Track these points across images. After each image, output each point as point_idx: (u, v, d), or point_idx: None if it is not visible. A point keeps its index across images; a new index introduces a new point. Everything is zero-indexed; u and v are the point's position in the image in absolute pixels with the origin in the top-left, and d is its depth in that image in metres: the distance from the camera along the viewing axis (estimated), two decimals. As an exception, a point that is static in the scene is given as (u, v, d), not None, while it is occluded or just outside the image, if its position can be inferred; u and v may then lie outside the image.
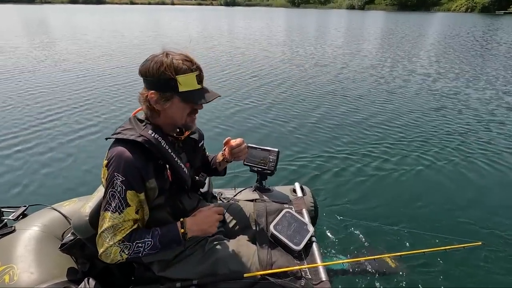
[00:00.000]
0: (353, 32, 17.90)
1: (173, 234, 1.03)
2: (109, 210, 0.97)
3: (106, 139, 1.05)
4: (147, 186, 1.01)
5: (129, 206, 0.98)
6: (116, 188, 0.96)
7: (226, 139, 1.35)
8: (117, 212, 0.96)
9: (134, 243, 0.98)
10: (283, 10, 56.66)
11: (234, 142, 1.34)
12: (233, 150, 1.34)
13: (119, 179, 0.95)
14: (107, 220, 0.96)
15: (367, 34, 16.51)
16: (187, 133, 1.18)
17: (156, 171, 1.04)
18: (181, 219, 1.07)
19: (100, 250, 0.97)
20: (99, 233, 0.98)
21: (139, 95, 1.05)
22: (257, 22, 26.02)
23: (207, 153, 1.47)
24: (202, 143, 1.30)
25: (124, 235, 0.98)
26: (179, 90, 1.00)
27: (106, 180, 0.98)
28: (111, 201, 0.97)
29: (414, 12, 50.37)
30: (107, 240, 0.96)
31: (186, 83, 1.00)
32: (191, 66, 1.00)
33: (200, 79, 1.03)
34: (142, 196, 1.00)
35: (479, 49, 11.53)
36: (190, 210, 1.14)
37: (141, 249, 0.99)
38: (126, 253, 0.97)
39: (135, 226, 1.01)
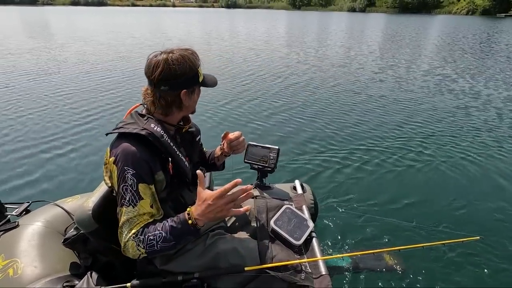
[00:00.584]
0: (360, 34, 17.94)
1: (182, 225, 0.99)
2: (124, 205, 0.97)
3: (107, 134, 1.05)
4: (156, 178, 1.02)
5: (142, 199, 0.98)
6: (128, 182, 0.96)
7: (224, 132, 1.37)
8: (131, 206, 0.97)
9: (146, 236, 0.96)
10: (284, 13, 56.80)
11: (232, 135, 1.35)
12: (232, 143, 1.35)
13: (129, 172, 0.96)
14: (123, 214, 0.97)
15: (374, 36, 16.55)
16: (187, 127, 1.20)
17: (161, 164, 1.05)
18: (188, 209, 1.01)
19: (122, 246, 0.98)
20: (119, 229, 0.99)
21: (154, 98, 1.05)
22: (261, 24, 26.11)
23: (204, 148, 1.48)
24: (199, 137, 1.32)
25: (138, 228, 0.98)
26: (199, 81, 1.08)
27: (117, 176, 0.98)
28: (125, 195, 0.97)
29: (415, 15, 50.38)
30: (124, 234, 0.97)
31: (201, 72, 1.09)
32: (197, 56, 1.06)
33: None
34: (153, 188, 1.01)
35: (488, 51, 11.54)
36: (191, 204, 1.15)
37: (154, 242, 0.96)
38: (142, 247, 0.96)
39: (151, 220, 1.00)
